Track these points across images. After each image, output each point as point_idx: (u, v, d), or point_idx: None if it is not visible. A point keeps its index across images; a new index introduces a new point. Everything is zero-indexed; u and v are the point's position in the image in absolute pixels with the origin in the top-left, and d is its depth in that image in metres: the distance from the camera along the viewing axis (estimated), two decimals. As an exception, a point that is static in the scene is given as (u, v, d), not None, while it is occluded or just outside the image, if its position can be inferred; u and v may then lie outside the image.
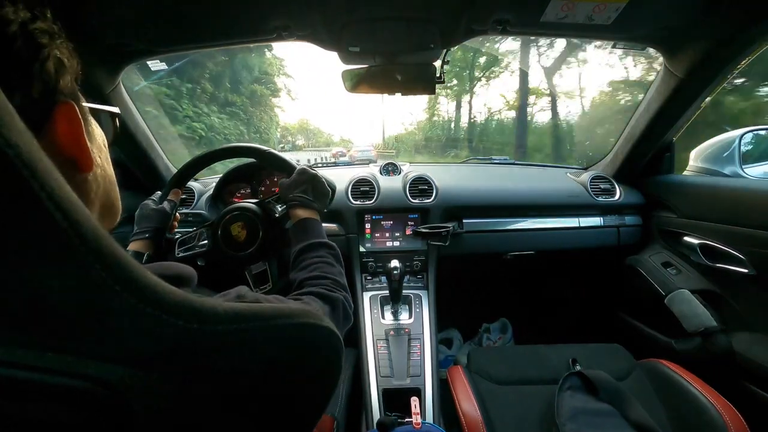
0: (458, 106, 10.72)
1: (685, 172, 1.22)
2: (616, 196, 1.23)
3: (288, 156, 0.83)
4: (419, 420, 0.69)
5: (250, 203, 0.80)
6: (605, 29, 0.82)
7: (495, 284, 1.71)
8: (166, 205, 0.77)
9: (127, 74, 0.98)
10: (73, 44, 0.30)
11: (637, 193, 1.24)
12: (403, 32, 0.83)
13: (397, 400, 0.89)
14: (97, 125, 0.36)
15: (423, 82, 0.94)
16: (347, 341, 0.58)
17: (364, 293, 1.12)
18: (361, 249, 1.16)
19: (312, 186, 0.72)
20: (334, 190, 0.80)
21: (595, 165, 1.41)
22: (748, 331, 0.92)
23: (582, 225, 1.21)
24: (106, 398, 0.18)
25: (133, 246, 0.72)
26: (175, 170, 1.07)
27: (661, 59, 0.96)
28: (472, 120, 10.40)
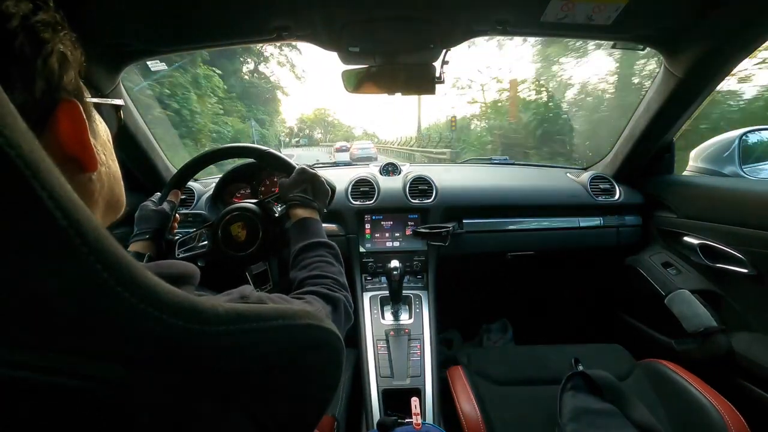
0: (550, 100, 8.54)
1: (684, 172, 1.22)
2: (616, 196, 1.23)
3: (301, 152, 0.84)
4: (419, 420, 0.69)
5: (249, 203, 0.80)
6: (605, 29, 0.82)
7: (495, 284, 1.71)
8: (165, 206, 0.77)
9: (126, 74, 0.98)
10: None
11: (637, 193, 1.24)
12: (403, 32, 0.83)
13: (397, 400, 0.89)
14: (102, 120, 0.36)
15: (423, 82, 0.94)
16: (347, 341, 0.58)
17: (364, 293, 1.12)
18: (361, 249, 1.16)
19: (312, 185, 0.72)
20: (333, 190, 0.80)
21: (595, 165, 1.41)
22: (748, 331, 0.92)
23: (582, 225, 1.21)
24: (106, 398, 0.18)
25: (133, 247, 0.72)
26: (174, 170, 1.07)
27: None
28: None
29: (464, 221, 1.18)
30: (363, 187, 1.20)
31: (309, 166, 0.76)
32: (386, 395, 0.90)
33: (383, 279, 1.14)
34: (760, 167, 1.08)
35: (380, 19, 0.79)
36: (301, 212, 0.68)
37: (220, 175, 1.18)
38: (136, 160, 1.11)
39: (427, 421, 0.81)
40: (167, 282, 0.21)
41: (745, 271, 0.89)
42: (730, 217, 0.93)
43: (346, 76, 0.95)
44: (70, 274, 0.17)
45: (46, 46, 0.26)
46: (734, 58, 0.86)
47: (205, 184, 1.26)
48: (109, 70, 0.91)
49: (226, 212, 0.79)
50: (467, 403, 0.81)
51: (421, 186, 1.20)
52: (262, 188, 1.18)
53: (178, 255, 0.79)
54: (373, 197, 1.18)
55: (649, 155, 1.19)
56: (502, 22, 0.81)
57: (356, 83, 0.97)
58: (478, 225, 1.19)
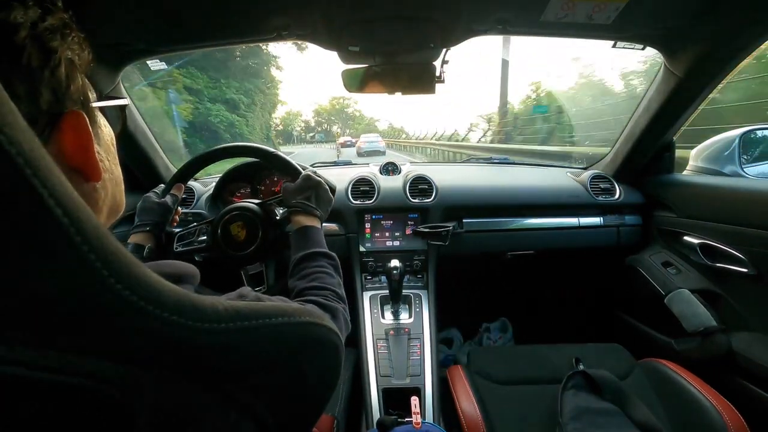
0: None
1: (685, 172, 1.22)
2: (616, 196, 1.23)
3: (302, 150, 0.83)
4: (419, 420, 0.69)
5: (251, 203, 0.80)
6: (605, 29, 0.82)
7: (495, 284, 1.71)
8: (168, 199, 0.77)
9: (126, 74, 0.98)
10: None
11: (637, 192, 1.24)
12: (403, 32, 0.83)
13: (397, 399, 0.89)
14: (106, 124, 0.35)
15: (423, 81, 0.94)
16: (347, 341, 0.58)
17: (364, 293, 1.12)
18: (361, 249, 1.16)
19: (316, 193, 0.71)
20: (333, 190, 0.80)
21: (595, 164, 1.41)
22: (748, 331, 0.92)
23: (582, 224, 1.21)
24: (107, 396, 0.18)
25: (133, 238, 0.72)
26: (174, 170, 1.07)
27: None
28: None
29: (464, 221, 1.18)
30: (363, 187, 1.20)
31: (314, 172, 0.76)
32: (386, 394, 0.91)
33: (383, 278, 1.14)
34: (760, 166, 1.08)
35: (380, 18, 0.79)
36: (303, 219, 0.68)
37: (220, 175, 1.18)
38: (136, 160, 1.11)
39: (426, 421, 0.81)
40: (168, 281, 0.21)
41: (745, 270, 0.89)
42: (730, 216, 0.93)
43: (346, 75, 0.95)
44: (71, 272, 0.17)
45: (54, 56, 0.25)
46: (734, 57, 0.86)
47: (205, 183, 1.26)
48: (109, 70, 0.91)
49: (227, 211, 0.79)
50: (467, 403, 0.81)
51: (421, 185, 1.20)
52: (262, 188, 1.18)
53: (177, 248, 0.79)
54: (373, 197, 1.18)
55: (650, 155, 1.19)
56: (502, 22, 0.81)
57: (356, 83, 0.97)
58: (478, 224, 1.19)
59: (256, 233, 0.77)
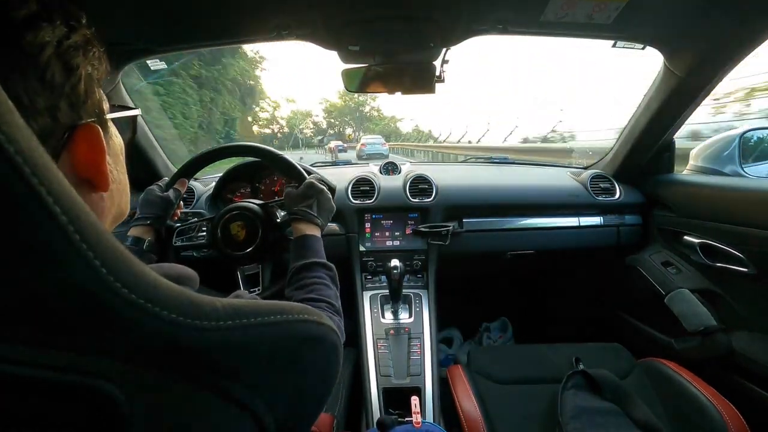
0: None
1: (685, 172, 1.22)
2: (616, 196, 1.23)
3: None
4: (419, 419, 0.69)
5: (252, 204, 0.80)
6: (605, 28, 0.82)
7: (495, 283, 1.71)
8: (171, 193, 0.77)
9: (126, 73, 0.98)
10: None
11: (637, 192, 1.24)
12: (403, 31, 0.83)
13: (397, 399, 0.89)
14: (117, 134, 0.36)
15: (423, 81, 0.94)
16: (347, 341, 0.58)
17: (364, 292, 1.12)
18: (361, 248, 1.16)
19: (318, 201, 0.71)
20: (334, 190, 0.80)
21: (595, 164, 1.41)
22: (748, 331, 0.92)
23: (582, 224, 1.21)
24: (106, 395, 0.18)
25: (133, 231, 0.72)
26: (174, 170, 1.07)
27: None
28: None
29: (464, 220, 1.18)
30: (363, 186, 1.20)
31: (318, 180, 0.76)
32: (386, 394, 0.91)
33: (383, 278, 1.14)
34: (760, 166, 1.08)
35: (380, 18, 0.79)
36: (304, 227, 0.68)
37: (220, 174, 1.18)
38: (136, 160, 1.11)
39: (427, 420, 0.81)
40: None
41: (745, 270, 0.89)
42: (730, 216, 0.93)
43: (346, 75, 0.95)
44: (71, 271, 0.17)
45: (76, 72, 0.26)
46: (734, 57, 0.85)
47: (205, 183, 1.26)
48: (108, 70, 0.91)
49: (228, 209, 0.79)
50: (467, 402, 0.81)
51: (421, 185, 1.20)
52: (262, 188, 1.18)
53: (175, 243, 0.79)
54: (373, 196, 1.18)
55: (650, 154, 1.19)
56: (502, 21, 0.81)
57: (356, 82, 0.97)
58: (478, 224, 1.19)
59: (256, 234, 0.77)
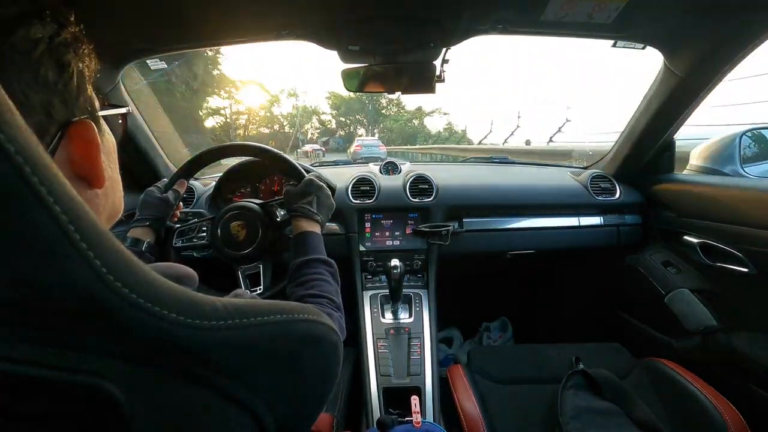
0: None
1: (685, 171, 1.22)
2: (616, 195, 1.23)
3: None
4: (419, 419, 0.69)
5: (252, 203, 0.80)
6: (605, 28, 0.82)
7: (495, 283, 1.71)
8: (170, 194, 0.77)
9: (126, 73, 0.98)
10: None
11: (637, 192, 1.24)
12: (403, 31, 0.83)
13: (397, 398, 0.89)
14: (109, 131, 0.36)
15: (423, 81, 0.94)
16: (347, 341, 0.58)
17: (364, 292, 1.12)
18: (361, 248, 1.16)
19: (317, 198, 0.72)
20: (334, 190, 0.80)
21: (595, 164, 1.41)
22: (747, 330, 0.92)
23: (582, 224, 1.21)
24: (106, 394, 0.18)
25: (132, 233, 0.72)
26: (175, 169, 1.07)
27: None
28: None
29: (464, 220, 1.18)
30: (363, 186, 1.20)
31: (317, 176, 0.76)
32: (386, 394, 0.91)
33: (383, 278, 1.14)
34: (760, 166, 1.08)
35: (380, 17, 0.79)
36: (304, 224, 0.68)
37: (220, 174, 1.18)
38: (136, 160, 1.11)
39: (427, 420, 0.81)
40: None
41: (745, 270, 0.89)
42: (730, 216, 0.93)
43: (346, 74, 0.95)
44: (71, 271, 0.17)
45: (68, 69, 0.26)
46: (734, 57, 0.85)
47: (205, 183, 1.26)
48: (108, 69, 0.91)
49: (228, 209, 0.79)
50: (467, 402, 0.81)
51: (421, 185, 1.20)
52: (262, 187, 1.18)
53: (176, 243, 0.79)
54: (373, 196, 1.18)
55: (650, 154, 1.19)
56: (502, 21, 0.81)
57: (356, 82, 0.97)
58: (478, 224, 1.19)
59: (256, 233, 0.77)
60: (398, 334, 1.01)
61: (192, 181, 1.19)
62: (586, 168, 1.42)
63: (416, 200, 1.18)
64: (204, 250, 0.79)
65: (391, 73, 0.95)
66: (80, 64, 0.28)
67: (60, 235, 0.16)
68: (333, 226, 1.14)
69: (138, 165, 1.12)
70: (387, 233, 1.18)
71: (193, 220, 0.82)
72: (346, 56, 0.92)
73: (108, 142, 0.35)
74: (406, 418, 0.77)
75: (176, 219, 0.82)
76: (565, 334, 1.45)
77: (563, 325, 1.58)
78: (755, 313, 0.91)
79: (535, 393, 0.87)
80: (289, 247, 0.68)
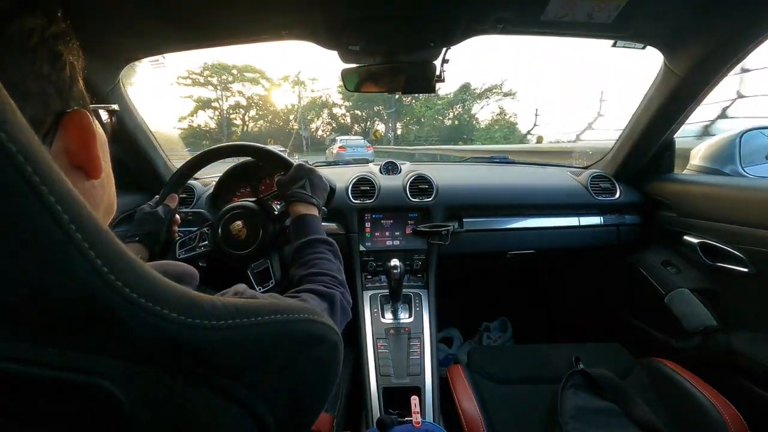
0: None
1: (685, 171, 1.22)
2: (616, 195, 1.23)
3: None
4: (419, 419, 0.69)
5: (248, 201, 0.80)
6: (605, 28, 0.82)
7: (495, 283, 1.71)
8: (160, 210, 0.76)
9: (126, 73, 0.98)
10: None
11: (637, 192, 1.24)
12: (403, 31, 0.83)
13: (397, 398, 0.89)
14: (99, 126, 0.36)
15: (423, 80, 0.94)
16: (347, 341, 0.58)
17: (364, 292, 1.12)
18: (361, 248, 1.16)
19: (309, 181, 0.71)
20: (334, 189, 0.80)
21: (596, 164, 1.41)
22: (747, 330, 0.92)
23: (582, 224, 1.21)
24: (107, 393, 0.18)
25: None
26: (175, 169, 1.07)
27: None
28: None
29: (464, 220, 1.18)
30: (363, 186, 1.20)
31: (305, 162, 0.76)
32: (386, 393, 0.91)
33: (383, 278, 1.14)
34: (760, 166, 1.08)
35: (380, 17, 0.79)
36: (300, 208, 0.68)
37: (220, 174, 1.18)
38: (136, 160, 1.11)
39: (426, 420, 0.81)
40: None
41: (745, 270, 0.89)
42: (730, 216, 0.93)
43: (346, 74, 0.95)
44: (72, 270, 0.17)
45: (60, 59, 0.27)
46: (735, 56, 0.85)
47: (205, 182, 1.26)
48: (109, 70, 0.91)
49: (225, 211, 0.79)
50: (467, 402, 0.81)
51: (421, 185, 1.20)
52: (262, 187, 1.18)
53: (179, 256, 0.79)
54: (373, 196, 1.18)
55: (650, 154, 1.19)
56: (502, 21, 0.81)
57: (356, 82, 0.97)
58: (478, 224, 1.19)
59: (257, 230, 0.77)
60: (398, 334, 1.01)
61: (191, 181, 1.19)
62: (586, 168, 1.42)
63: (416, 200, 1.18)
64: (209, 257, 0.79)
65: (392, 73, 0.95)
66: (71, 57, 0.28)
67: (61, 234, 0.16)
68: (333, 226, 1.15)
69: (138, 165, 1.12)
70: (387, 233, 1.18)
71: (194, 229, 0.82)
72: (346, 56, 0.92)
73: (101, 135, 0.36)
74: (406, 418, 0.77)
75: (174, 233, 0.81)
76: (564, 334, 1.45)
77: (563, 325, 1.58)
78: (755, 313, 0.91)
79: (534, 393, 0.87)
80: (289, 235, 0.67)
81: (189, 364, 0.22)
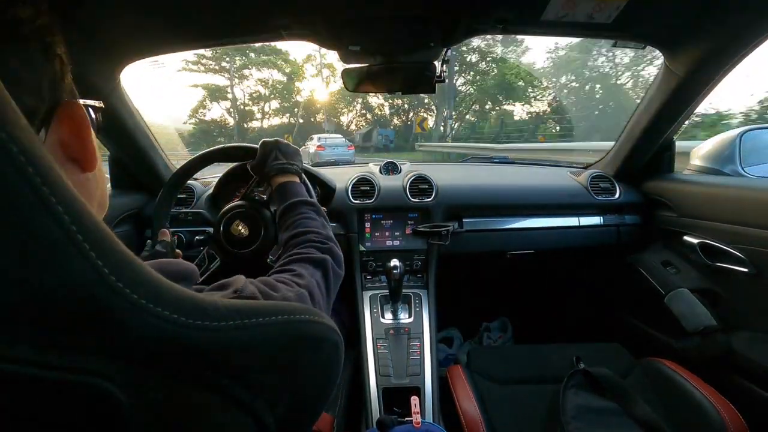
0: None
1: (685, 171, 1.22)
2: (616, 195, 1.23)
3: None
4: (419, 419, 0.69)
5: (238, 202, 0.81)
6: (606, 28, 0.82)
7: (495, 283, 1.71)
8: (159, 247, 0.74)
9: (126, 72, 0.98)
10: (74, 42, 0.30)
11: (637, 192, 1.24)
12: (404, 31, 0.83)
13: (396, 399, 0.89)
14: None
15: (423, 80, 0.94)
16: (347, 341, 0.58)
17: (363, 292, 1.12)
18: (361, 248, 1.16)
19: (277, 151, 0.71)
20: (334, 189, 0.80)
21: (595, 164, 1.41)
22: (747, 331, 0.92)
23: (582, 224, 1.21)
24: (107, 394, 0.18)
25: None
26: (174, 169, 1.07)
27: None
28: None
29: (464, 220, 1.18)
30: (363, 186, 1.20)
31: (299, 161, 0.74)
32: (386, 394, 0.91)
33: (383, 278, 1.14)
34: (760, 166, 1.08)
35: (380, 17, 0.79)
36: (279, 179, 0.68)
37: (220, 175, 1.18)
38: (136, 160, 1.11)
39: (426, 420, 0.81)
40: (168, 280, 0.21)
41: (745, 270, 0.89)
42: (730, 216, 0.93)
43: (346, 74, 0.96)
44: (72, 270, 0.17)
45: (51, 49, 0.27)
46: (735, 56, 0.85)
47: (205, 182, 1.26)
48: (109, 70, 0.91)
49: (220, 218, 0.80)
50: (467, 402, 0.81)
51: (421, 185, 1.20)
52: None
53: (196, 282, 0.77)
54: (373, 196, 1.18)
55: (650, 154, 1.19)
56: (502, 21, 0.81)
57: (356, 82, 0.97)
58: (478, 224, 1.19)
59: (257, 223, 0.78)
60: (398, 334, 1.01)
61: (191, 182, 1.19)
62: (586, 168, 1.42)
63: (416, 200, 1.18)
64: (224, 269, 0.79)
65: (392, 72, 0.95)
66: (59, 48, 0.28)
67: (62, 235, 0.16)
68: (333, 226, 1.15)
69: (138, 165, 1.12)
70: (387, 233, 1.18)
71: (199, 250, 0.81)
72: (347, 56, 0.92)
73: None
74: (406, 419, 0.77)
75: (181, 257, 0.80)
76: (565, 334, 1.45)
77: (563, 325, 1.58)
78: (755, 313, 0.91)
79: (535, 393, 0.87)
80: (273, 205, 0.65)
81: (190, 364, 0.22)
